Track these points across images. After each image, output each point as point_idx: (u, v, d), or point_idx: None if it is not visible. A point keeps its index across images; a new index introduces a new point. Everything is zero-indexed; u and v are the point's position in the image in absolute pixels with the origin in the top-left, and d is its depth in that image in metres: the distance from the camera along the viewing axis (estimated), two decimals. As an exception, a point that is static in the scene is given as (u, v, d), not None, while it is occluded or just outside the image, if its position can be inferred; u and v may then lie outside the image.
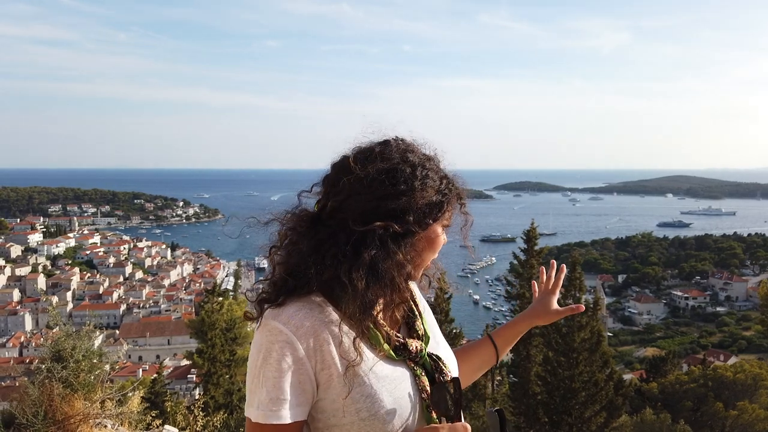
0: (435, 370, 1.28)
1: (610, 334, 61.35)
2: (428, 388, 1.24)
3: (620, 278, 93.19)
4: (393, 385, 1.21)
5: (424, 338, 1.33)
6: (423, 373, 1.26)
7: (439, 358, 1.31)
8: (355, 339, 1.19)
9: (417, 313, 1.37)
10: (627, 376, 30.79)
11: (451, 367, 1.33)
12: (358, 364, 1.18)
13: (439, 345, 1.37)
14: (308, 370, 1.17)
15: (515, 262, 19.88)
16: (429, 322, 1.40)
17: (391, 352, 1.24)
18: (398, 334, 1.29)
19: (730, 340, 63.45)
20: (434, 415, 1.22)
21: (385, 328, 1.26)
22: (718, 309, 78.97)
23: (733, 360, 38.63)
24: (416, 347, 1.28)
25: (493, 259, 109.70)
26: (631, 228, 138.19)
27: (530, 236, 19.47)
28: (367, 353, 1.21)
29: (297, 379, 1.16)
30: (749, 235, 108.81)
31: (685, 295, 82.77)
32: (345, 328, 1.20)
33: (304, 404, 1.18)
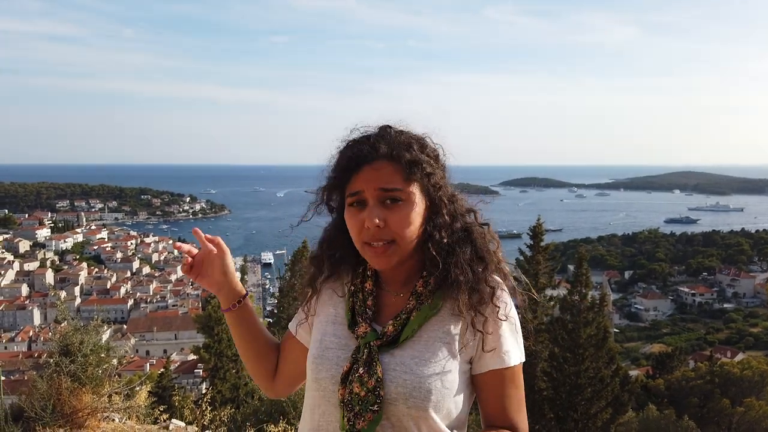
0: (360, 362, 1.26)
1: (617, 331, 61.12)
2: (345, 367, 1.28)
3: (627, 274, 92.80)
4: (332, 345, 1.34)
5: (382, 335, 1.28)
6: (353, 356, 1.28)
7: (372, 359, 1.25)
8: (317, 296, 1.45)
9: (402, 316, 1.29)
10: (633, 373, 30.71)
11: (388, 385, 1.23)
12: (323, 314, 1.42)
13: (401, 363, 1.25)
14: (312, 304, 1.46)
15: (521, 258, 19.82)
16: (428, 343, 1.27)
17: (349, 321, 1.35)
18: (368, 313, 1.33)
19: (737, 336, 63.07)
20: (339, 396, 1.28)
21: (361, 303, 1.35)
22: (725, 305, 78.55)
23: (740, 357, 38.44)
24: (362, 331, 1.29)
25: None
26: (638, 224, 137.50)
27: (536, 232, 19.42)
28: (335, 310, 1.40)
29: (300, 311, 1.50)
30: (757, 231, 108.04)
31: (692, 292, 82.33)
32: (336, 286, 1.44)
33: (295, 321, 1.51)
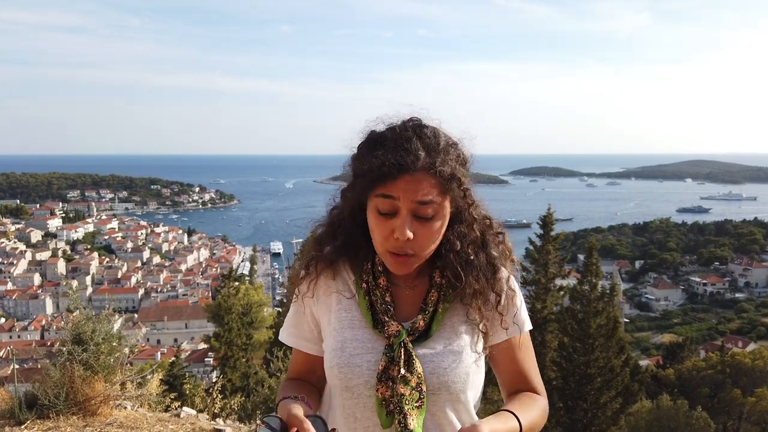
0: (395, 362, 1.25)
1: (627, 320, 60.93)
2: (381, 365, 1.25)
3: (637, 264, 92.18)
4: (357, 351, 1.28)
5: (413, 330, 1.29)
6: (387, 355, 1.26)
7: (410, 357, 1.25)
8: (330, 296, 1.37)
9: (429, 309, 1.31)
10: (643, 363, 30.65)
11: (429, 377, 1.25)
12: (334, 320, 1.34)
13: (439, 354, 1.27)
14: (309, 311, 1.40)
15: (531, 247, 19.75)
16: (453, 329, 1.31)
17: (371, 321, 1.30)
18: (390, 310, 1.30)
19: (749, 326, 62.69)
20: (380, 394, 1.25)
21: (381, 300, 1.31)
22: (737, 295, 77.99)
23: (751, 346, 38.24)
24: (393, 330, 1.28)
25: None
26: (649, 213, 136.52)
27: (546, 222, 19.33)
28: (350, 314, 1.34)
29: (295, 312, 1.43)
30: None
31: (704, 281, 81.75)
32: (340, 286, 1.37)
33: (298, 337, 1.43)
